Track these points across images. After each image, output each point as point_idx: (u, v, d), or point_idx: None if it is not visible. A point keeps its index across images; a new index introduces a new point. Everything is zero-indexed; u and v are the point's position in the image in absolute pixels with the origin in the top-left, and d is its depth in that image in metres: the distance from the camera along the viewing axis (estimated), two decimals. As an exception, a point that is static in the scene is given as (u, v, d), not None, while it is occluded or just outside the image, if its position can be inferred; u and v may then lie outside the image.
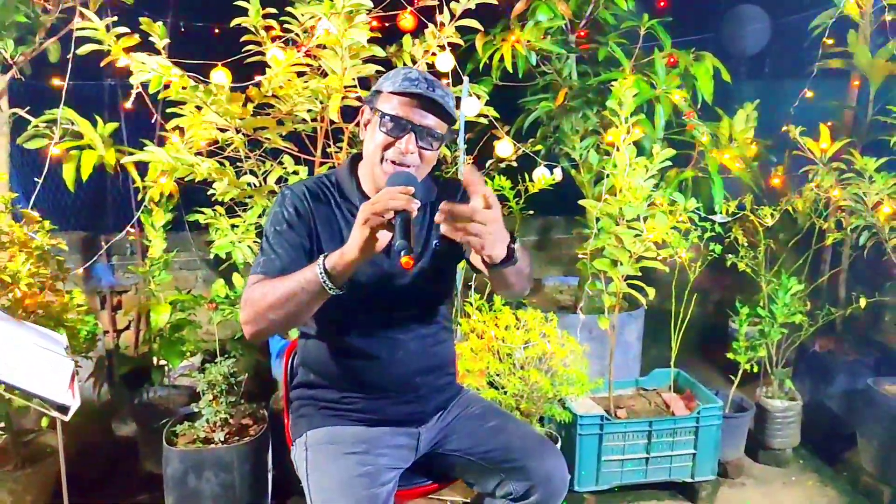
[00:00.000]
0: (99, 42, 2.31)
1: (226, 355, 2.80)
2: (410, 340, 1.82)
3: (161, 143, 3.06)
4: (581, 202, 3.02)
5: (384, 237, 1.45)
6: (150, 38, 2.38)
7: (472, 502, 2.05)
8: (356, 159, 1.87)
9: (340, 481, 1.67)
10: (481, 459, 1.82)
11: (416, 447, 1.86)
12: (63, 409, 1.64)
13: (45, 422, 2.46)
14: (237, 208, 2.98)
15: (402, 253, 1.39)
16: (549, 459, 1.81)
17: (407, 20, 2.72)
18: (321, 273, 1.50)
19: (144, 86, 2.49)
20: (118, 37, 2.34)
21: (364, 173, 1.81)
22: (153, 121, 2.62)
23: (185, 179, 2.68)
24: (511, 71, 3.15)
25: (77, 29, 2.33)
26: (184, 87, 2.28)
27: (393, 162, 1.70)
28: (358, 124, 1.82)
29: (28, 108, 2.92)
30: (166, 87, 2.40)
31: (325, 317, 1.71)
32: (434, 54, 2.75)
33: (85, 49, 2.36)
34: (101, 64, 2.42)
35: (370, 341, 1.79)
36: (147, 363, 3.20)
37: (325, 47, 2.48)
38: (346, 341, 1.79)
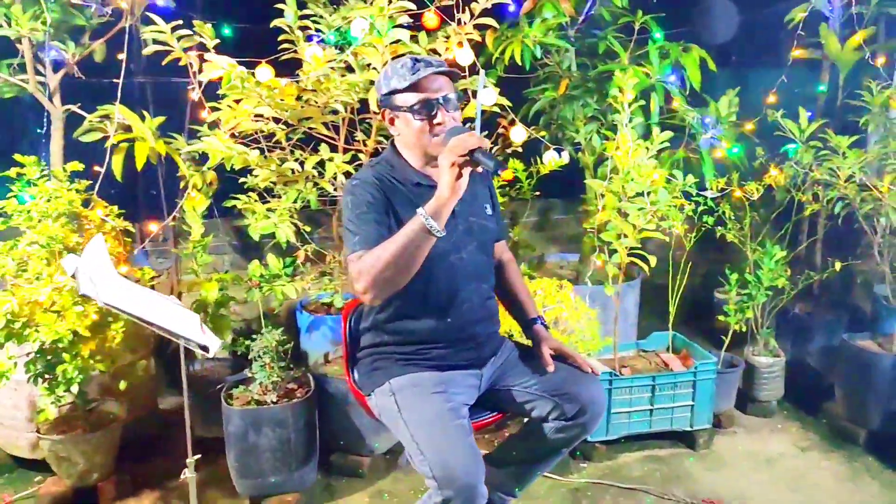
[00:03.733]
0: (164, 43, 2.58)
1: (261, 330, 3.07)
2: (472, 294, 2.13)
3: (192, 135, 3.34)
4: (587, 181, 3.34)
5: (466, 174, 1.76)
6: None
7: (519, 432, 2.35)
8: (394, 147, 2.17)
9: (434, 415, 1.97)
10: (536, 389, 2.15)
11: (478, 386, 2.17)
12: (205, 348, 1.92)
13: (122, 385, 2.71)
14: (266, 195, 3.25)
15: (500, 171, 1.71)
16: (593, 385, 2.16)
17: (431, 19, 3.00)
18: (427, 219, 1.78)
19: (171, 82, 2.74)
20: (179, 38, 2.61)
21: (411, 155, 2.11)
22: (205, 114, 2.87)
23: (229, 168, 2.96)
24: (520, 64, 3.45)
25: (145, 31, 2.58)
26: (245, 83, 2.54)
27: (434, 135, 2.01)
28: (383, 120, 2.12)
29: (79, 104, 3.16)
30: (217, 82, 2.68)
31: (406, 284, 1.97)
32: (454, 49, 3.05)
33: (150, 49, 2.62)
34: (163, 63, 2.69)
35: (441, 299, 2.08)
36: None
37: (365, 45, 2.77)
38: (422, 303, 2.06)
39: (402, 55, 2.88)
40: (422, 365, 2.11)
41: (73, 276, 1.88)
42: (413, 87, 1.98)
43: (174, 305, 2.12)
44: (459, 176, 1.76)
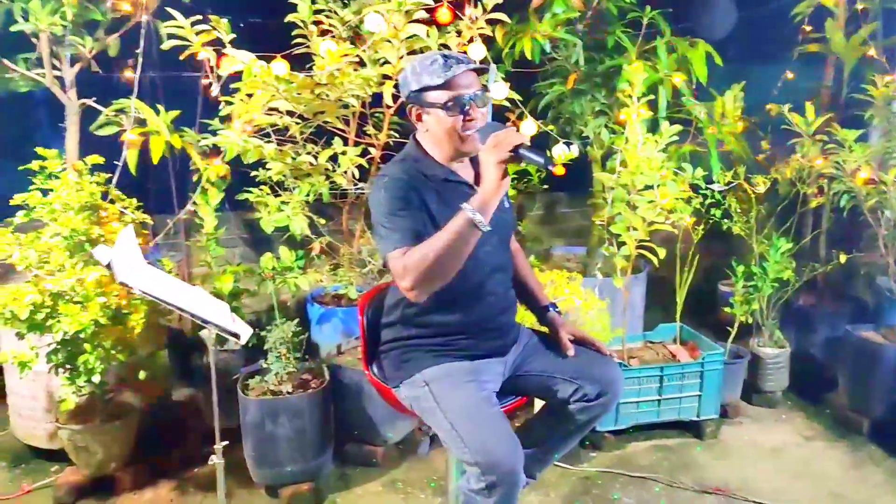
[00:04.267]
0: (182, 38, 2.61)
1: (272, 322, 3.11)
2: (497, 286, 2.18)
3: (202, 129, 3.37)
4: (596, 175, 3.38)
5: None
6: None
7: (540, 415, 2.39)
8: (417, 143, 2.17)
9: (471, 403, 2.01)
10: (558, 373, 2.20)
11: (503, 373, 2.22)
12: (236, 335, 1.96)
13: (142, 375, 2.75)
14: (278, 189, 3.29)
15: (551, 166, 1.77)
16: (612, 367, 2.23)
17: (444, 14, 3.04)
18: (473, 214, 1.81)
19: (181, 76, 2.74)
20: (198, 34, 2.64)
21: (438, 150, 2.12)
22: (219, 106, 2.91)
23: (246, 162, 2.99)
24: (530, 58, 3.48)
25: (164, 26, 2.61)
26: (264, 78, 2.57)
27: (466, 131, 2.04)
28: (405, 115, 2.15)
29: (94, 98, 3.19)
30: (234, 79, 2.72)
31: None
32: (466, 44, 3.09)
33: (169, 44, 2.65)
34: (181, 57, 2.72)
35: (470, 291, 2.11)
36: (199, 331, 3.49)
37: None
38: (451, 296, 2.07)
39: (416, 51, 2.93)
40: (452, 355, 2.14)
41: (108, 266, 1.92)
42: (446, 85, 2.00)
43: (204, 294, 2.16)
44: (505, 173, 1.81)
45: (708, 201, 3.40)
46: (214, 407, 2.24)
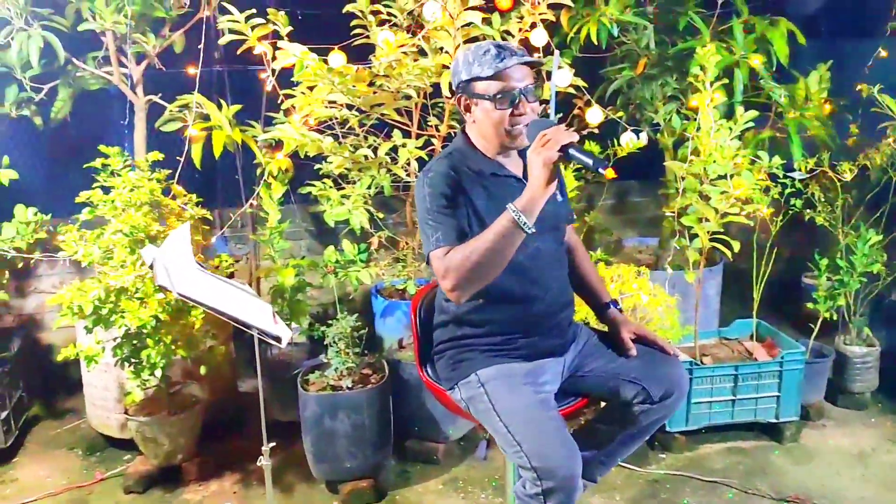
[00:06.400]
0: (239, 32, 2.61)
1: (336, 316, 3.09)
2: (553, 282, 2.09)
3: (267, 122, 3.38)
4: (666, 163, 3.23)
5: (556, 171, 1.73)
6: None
7: (601, 417, 2.30)
8: (465, 135, 2.11)
9: (527, 407, 1.94)
10: (619, 373, 2.10)
11: (562, 373, 2.14)
12: (277, 338, 1.95)
13: (203, 369, 2.78)
14: (341, 181, 3.27)
15: (601, 168, 1.66)
16: (675, 366, 2.12)
17: (504, 1, 2.94)
18: (517, 215, 1.74)
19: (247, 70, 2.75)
20: (253, 28, 2.64)
21: (485, 144, 2.05)
22: (279, 101, 2.90)
23: (303, 156, 2.98)
24: (596, 43, 3.35)
25: (221, 21, 2.62)
26: (317, 71, 2.55)
27: (514, 125, 1.96)
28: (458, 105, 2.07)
29: (160, 94, 3.24)
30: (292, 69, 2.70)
31: None
32: (528, 30, 2.99)
33: (226, 39, 2.66)
34: (238, 52, 2.73)
35: (524, 288, 2.04)
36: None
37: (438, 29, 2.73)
38: (507, 292, 2.02)
39: (475, 39, 2.85)
40: (510, 355, 2.07)
41: (151, 267, 1.93)
42: (496, 76, 1.93)
43: (248, 295, 2.16)
44: (553, 174, 1.72)
45: (788, 191, 3.19)
46: (262, 409, 2.24)
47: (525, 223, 1.75)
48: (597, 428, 2.28)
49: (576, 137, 1.71)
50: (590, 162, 1.71)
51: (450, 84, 2.90)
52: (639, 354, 2.14)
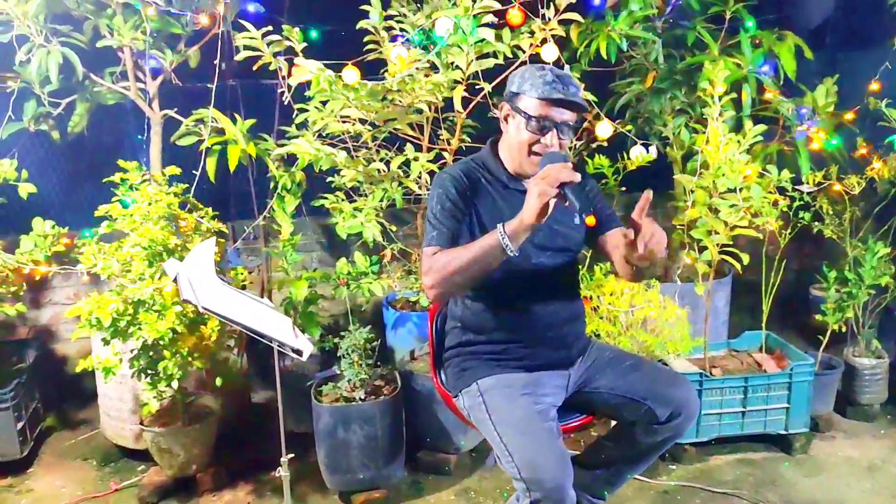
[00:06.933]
0: (255, 48, 2.65)
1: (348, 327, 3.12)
2: (558, 296, 2.14)
3: (280, 136, 3.42)
4: (676, 177, 3.26)
5: (552, 204, 1.75)
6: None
7: (609, 435, 2.32)
8: (495, 143, 2.18)
9: (522, 418, 1.98)
10: (626, 392, 2.12)
11: (566, 387, 2.17)
12: (298, 352, 1.99)
13: (219, 381, 2.81)
14: (353, 194, 3.31)
15: (584, 215, 1.70)
16: (685, 387, 2.13)
17: (515, 16, 2.98)
18: (503, 238, 1.80)
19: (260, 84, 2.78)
20: (269, 44, 2.68)
21: (508, 157, 2.12)
22: (293, 115, 2.95)
23: (318, 170, 3.02)
24: (606, 58, 3.39)
25: (237, 38, 2.67)
26: (333, 87, 2.59)
27: (537, 153, 2.01)
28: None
29: (175, 109, 3.28)
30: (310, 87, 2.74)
31: (488, 282, 2.00)
32: (539, 46, 3.02)
33: (242, 55, 2.71)
34: (255, 67, 2.78)
35: (528, 298, 2.10)
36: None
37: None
38: (508, 301, 2.09)
39: (486, 56, 2.88)
40: (510, 365, 2.12)
41: (175, 281, 1.96)
42: (541, 100, 1.98)
43: (268, 309, 2.20)
44: (546, 206, 1.75)
45: (796, 203, 3.22)
46: (281, 421, 2.27)
47: (508, 246, 1.80)
48: (605, 446, 2.31)
49: (577, 178, 1.74)
50: (577, 205, 1.74)
51: (463, 98, 2.97)
52: (647, 373, 2.16)
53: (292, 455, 2.42)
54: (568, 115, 2.00)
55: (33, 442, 3.36)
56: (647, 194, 1.79)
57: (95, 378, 3.37)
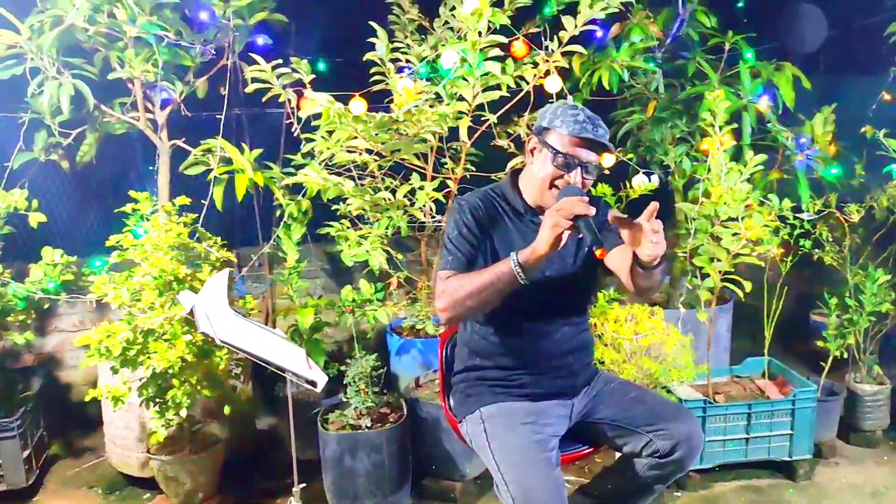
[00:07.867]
0: (264, 80, 2.70)
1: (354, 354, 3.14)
2: (566, 325, 2.17)
3: (285, 164, 3.46)
4: (678, 205, 3.30)
5: (566, 236, 1.79)
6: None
7: (613, 466, 2.34)
8: (516, 174, 2.23)
9: (521, 446, 2.00)
10: (628, 424, 2.13)
11: (569, 416, 2.19)
12: (312, 383, 2.01)
13: (227, 409, 2.83)
14: (358, 221, 3.34)
15: (596, 247, 1.74)
16: (689, 421, 2.13)
17: (520, 48, 3.04)
18: (516, 266, 1.83)
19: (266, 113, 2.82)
20: (279, 76, 2.73)
21: (528, 188, 2.15)
22: (301, 143, 3.00)
23: (326, 199, 3.06)
24: (608, 88, 3.44)
25: (247, 71, 2.72)
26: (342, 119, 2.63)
27: (558, 187, 2.04)
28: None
29: (183, 139, 3.33)
30: (315, 116, 2.79)
31: (497, 308, 2.02)
32: (542, 77, 3.08)
33: (252, 87, 2.75)
34: (264, 99, 2.83)
35: (535, 327, 2.13)
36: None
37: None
38: (515, 328, 2.12)
39: (492, 88, 2.93)
40: (514, 393, 2.14)
41: (191, 313, 1.99)
42: (570, 137, 2.01)
43: (280, 339, 2.22)
44: (559, 237, 1.78)
45: (796, 231, 3.26)
46: (293, 449, 2.28)
47: (520, 274, 1.84)
48: (608, 477, 2.32)
49: (592, 212, 1.77)
50: (589, 238, 1.78)
51: (469, 128, 3.02)
52: (651, 406, 2.17)
53: (304, 484, 2.42)
54: (594, 157, 2.04)
55: (38, 470, 3.36)
56: (654, 204, 1.82)
57: (101, 406, 3.38)
